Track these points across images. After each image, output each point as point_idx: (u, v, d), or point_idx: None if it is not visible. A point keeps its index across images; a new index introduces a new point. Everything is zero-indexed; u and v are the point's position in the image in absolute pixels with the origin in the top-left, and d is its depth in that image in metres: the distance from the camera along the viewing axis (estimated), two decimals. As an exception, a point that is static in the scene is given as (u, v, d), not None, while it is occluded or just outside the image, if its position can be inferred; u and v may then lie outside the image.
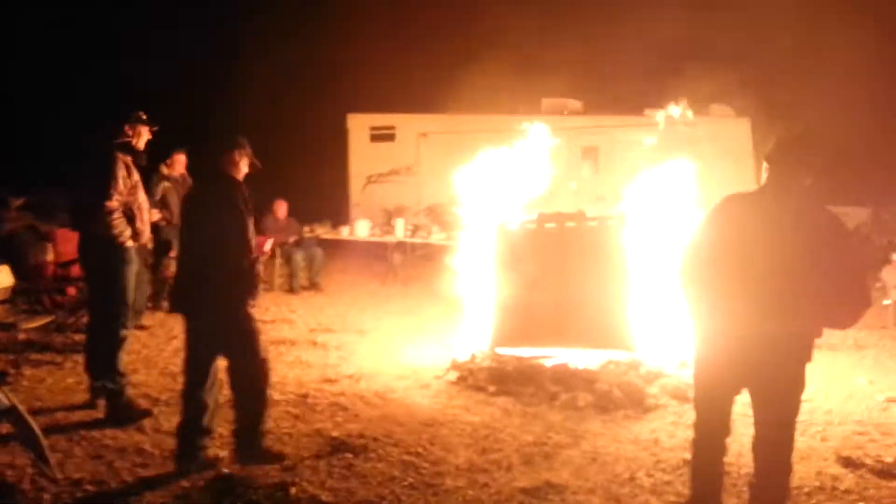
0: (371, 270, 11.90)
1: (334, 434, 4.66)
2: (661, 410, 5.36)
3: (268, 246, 9.05)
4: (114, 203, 4.74)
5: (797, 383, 3.26)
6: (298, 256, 9.84)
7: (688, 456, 4.36)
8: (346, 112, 14.40)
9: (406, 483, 3.98)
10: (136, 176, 4.91)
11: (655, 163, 7.01)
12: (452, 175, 7.20)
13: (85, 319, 6.96)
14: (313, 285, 10.11)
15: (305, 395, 5.45)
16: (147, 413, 4.80)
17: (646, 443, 4.75)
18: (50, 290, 7.22)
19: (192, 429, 4.07)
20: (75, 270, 6.83)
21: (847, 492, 4.08)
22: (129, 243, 4.83)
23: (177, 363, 6.10)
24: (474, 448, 4.54)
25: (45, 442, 3.57)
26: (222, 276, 3.95)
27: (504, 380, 5.82)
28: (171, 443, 4.27)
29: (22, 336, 6.37)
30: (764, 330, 3.17)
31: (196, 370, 4.10)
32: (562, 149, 13.91)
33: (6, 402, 3.44)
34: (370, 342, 7.24)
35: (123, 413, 4.70)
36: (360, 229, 11.18)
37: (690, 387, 5.65)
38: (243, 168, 4.18)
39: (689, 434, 4.86)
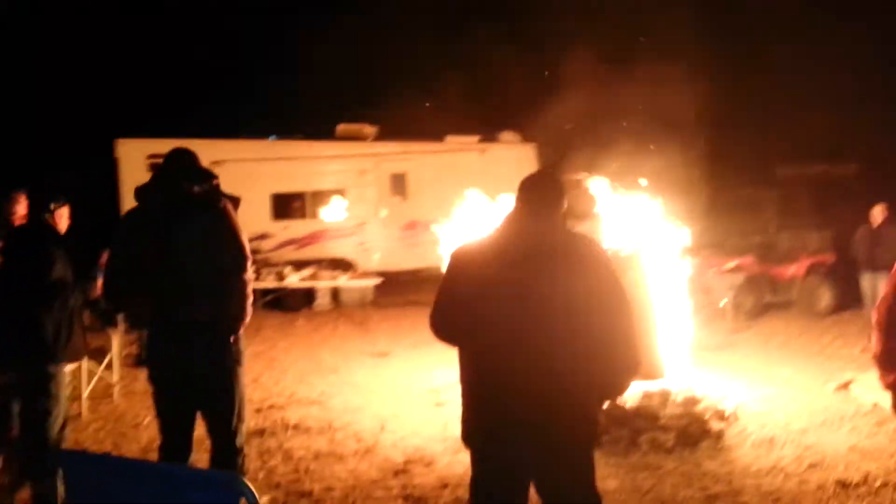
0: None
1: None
2: (730, 436, 5.40)
3: None
4: (250, 270, 3.22)
5: None
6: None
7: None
8: (114, 138, 11.98)
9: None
10: None
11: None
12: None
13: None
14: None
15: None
16: None
17: (773, 472, 4.76)
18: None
19: None
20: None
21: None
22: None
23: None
24: (671, 518, 4.06)
25: None
26: None
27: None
28: None
29: None
30: None
31: None
32: (369, 175, 13.50)
33: None
34: (366, 417, 6.06)
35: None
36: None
37: (723, 403, 5.87)
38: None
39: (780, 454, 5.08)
